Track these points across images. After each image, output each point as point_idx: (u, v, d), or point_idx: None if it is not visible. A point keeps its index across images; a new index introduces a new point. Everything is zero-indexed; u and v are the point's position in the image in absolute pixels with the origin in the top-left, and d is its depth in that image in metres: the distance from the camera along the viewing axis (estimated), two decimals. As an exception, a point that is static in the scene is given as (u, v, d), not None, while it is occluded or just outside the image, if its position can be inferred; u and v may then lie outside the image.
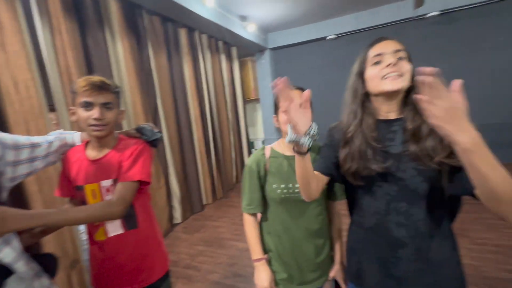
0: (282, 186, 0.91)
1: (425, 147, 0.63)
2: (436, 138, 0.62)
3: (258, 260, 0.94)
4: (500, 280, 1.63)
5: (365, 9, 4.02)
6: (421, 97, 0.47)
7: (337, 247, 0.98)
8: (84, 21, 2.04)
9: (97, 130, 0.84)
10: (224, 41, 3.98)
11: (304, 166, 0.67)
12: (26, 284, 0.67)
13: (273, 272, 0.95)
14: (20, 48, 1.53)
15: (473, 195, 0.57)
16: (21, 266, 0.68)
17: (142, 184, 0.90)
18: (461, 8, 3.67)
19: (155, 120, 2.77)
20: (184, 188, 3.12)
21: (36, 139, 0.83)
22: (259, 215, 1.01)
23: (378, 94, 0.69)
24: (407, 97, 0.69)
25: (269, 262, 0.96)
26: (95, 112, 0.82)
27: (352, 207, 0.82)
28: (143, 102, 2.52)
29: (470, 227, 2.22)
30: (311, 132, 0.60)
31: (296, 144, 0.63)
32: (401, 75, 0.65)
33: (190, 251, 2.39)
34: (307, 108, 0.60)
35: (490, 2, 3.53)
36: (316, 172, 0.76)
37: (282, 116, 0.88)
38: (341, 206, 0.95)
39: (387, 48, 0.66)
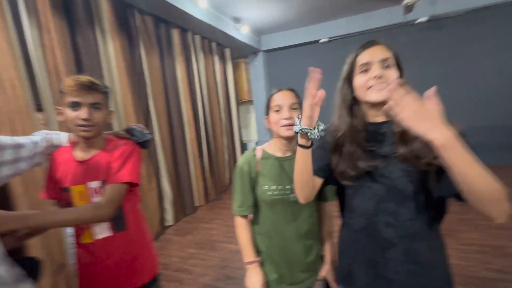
0: (273, 187, 0.91)
1: (413, 148, 0.65)
2: (423, 140, 0.64)
3: (250, 263, 0.94)
4: (487, 279, 1.67)
5: (356, 14, 4.10)
6: (389, 105, 0.54)
7: (327, 248, 0.99)
8: (74, 19, 2.01)
9: (85, 131, 0.82)
10: (217, 43, 3.98)
11: (307, 161, 0.70)
12: (7, 290, 0.65)
13: (265, 274, 0.95)
14: (6, 46, 1.48)
15: (459, 197, 0.58)
16: (3, 270, 0.65)
17: (132, 186, 0.88)
18: (448, 16, 3.79)
19: (147, 121, 2.73)
20: (176, 190, 3.08)
21: (20, 139, 0.80)
22: (250, 216, 1.00)
23: (365, 102, 0.71)
24: None
25: (261, 264, 0.96)
26: (83, 112, 0.80)
27: (342, 209, 0.83)
28: (135, 102, 2.48)
29: (458, 227, 2.27)
30: (320, 128, 0.65)
31: (303, 136, 0.66)
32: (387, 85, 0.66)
33: (181, 254, 2.36)
34: (318, 106, 0.63)
35: (476, 10, 3.66)
36: None
37: (273, 116, 0.89)
38: (333, 207, 0.96)
39: (375, 56, 0.67)
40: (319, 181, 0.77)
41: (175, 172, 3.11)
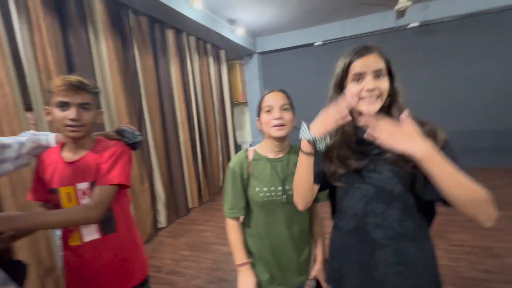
0: (265, 189, 0.91)
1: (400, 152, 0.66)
2: None
3: (242, 264, 0.94)
4: (476, 279, 1.70)
5: (350, 18, 4.16)
6: (368, 133, 0.60)
7: (318, 247, 0.99)
8: (66, 18, 1.98)
9: (73, 131, 0.81)
10: (212, 44, 3.97)
11: (310, 168, 0.72)
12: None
13: (256, 275, 0.95)
14: (-6, 44, 1.46)
15: (445, 202, 0.60)
16: (-15, 274, 0.63)
17: (121, 188, 0.87)
18: (439, 21, 3.89)
19: (140, 122, 2.71)
20: (169, 192, 3.05)
21: (6, 140, 0.78)
22: (241, 218, 1.00)
23: (357, 110, 0.72)
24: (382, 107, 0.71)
25: (253, 266, 0.96)
26: (71, 113, 0.79)
27: (333, 211, 0.84)
28: (127, 103, 2.46)
29: (448, 228, 2.31)
30: (327, 139, 0.70)
31: (312, 144, 0.69)
32: (378, 96, 0.67)
33: (174, 256, 2.33)
34: (339, 125, 0.67)
35: (465, 17, 3.76)
36: None
37: (264, 117, 0.89)
38: (324, 208, 0.96)
39: (368, 67, 0.67)
40: (316, 187, 0.78)
41: (169, 173, 3.09)
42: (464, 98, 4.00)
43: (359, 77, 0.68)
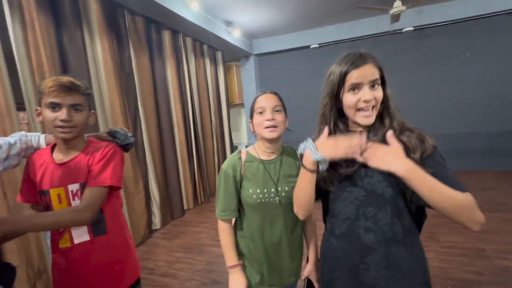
0: (258, 191, 0.91)
1: None
2: None
3: (233, 266, 0.93)
4: (467, 281, 1.72)
5: (346, 21, 4.20)
6: (358, 158, 0.65)
7: (311, 248, 1.00)
8: (60, 17, 1.97)
9: (64, 132, 0.80)
10: (209, 45, 3.98)
11: (313, 183, 0.74)
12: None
13: (247, 276, 0.95)
14: (-14, 43, 1.44)
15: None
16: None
17: (113, 189, 0.87)
18: (432, 25, 3.95)
19: (135, 123, 2.69)
20: (164, 193, 3.04)
21: (-5, 140, 0.78)
22: (233, 220, 1.00)
23: (352, 120, 0.74)
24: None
25: (243, 267, 0.96)
26: (62, 113, 0.78)
27: (325, 214, 0.84)
28: (122, 103, 2.44)
29: (439, 231, 2.34)
30: (327, 162, 0.71)
31: (316, 163, 0.71)
32: (374, 106, 0.69)
33: (168, 258, 2.32)
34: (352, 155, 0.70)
35: (458, 21, 3.83)
36: None
37: (256, 118, 0.89)
38: (317, 210, 0.97)
39: (365, 77, 0.68)
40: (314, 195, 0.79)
41: (164, 174, 3.07)
42: (457, 101, 4.07)
43: (356, 87, 0.69)
